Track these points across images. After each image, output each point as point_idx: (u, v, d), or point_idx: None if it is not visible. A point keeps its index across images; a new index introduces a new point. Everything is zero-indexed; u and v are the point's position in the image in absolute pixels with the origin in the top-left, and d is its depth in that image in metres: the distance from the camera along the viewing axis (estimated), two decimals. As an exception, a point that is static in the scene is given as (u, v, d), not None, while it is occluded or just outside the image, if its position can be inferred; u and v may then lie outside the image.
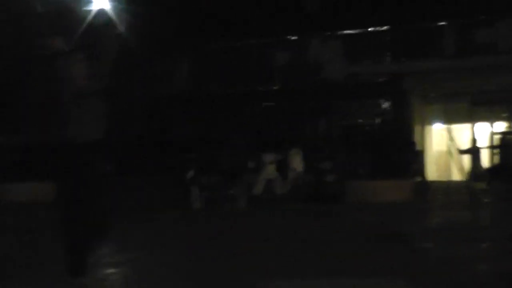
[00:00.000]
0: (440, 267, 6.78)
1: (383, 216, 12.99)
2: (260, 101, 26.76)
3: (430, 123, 26.38)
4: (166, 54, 26.16)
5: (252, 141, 21.57)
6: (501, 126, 24.85)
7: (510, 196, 16.72)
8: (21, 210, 15.44)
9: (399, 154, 20.16)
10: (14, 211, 15.43)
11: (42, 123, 5.75)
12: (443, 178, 24.87)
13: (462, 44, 24.19)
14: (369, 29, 25.55)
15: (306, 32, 26.26)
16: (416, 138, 23.53)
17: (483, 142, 21.54)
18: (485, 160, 20.63)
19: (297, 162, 18.88)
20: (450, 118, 25.65)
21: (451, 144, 24.66)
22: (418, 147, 21.29)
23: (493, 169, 20.58)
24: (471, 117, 25.00)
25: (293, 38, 26.90)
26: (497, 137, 23.37)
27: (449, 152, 25.19)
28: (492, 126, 24.73)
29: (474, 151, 18.14)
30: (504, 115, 24.89)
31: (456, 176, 24.57)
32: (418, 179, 19.66)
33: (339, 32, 26.00)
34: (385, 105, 25.54)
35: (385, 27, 25.39)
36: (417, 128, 25.20)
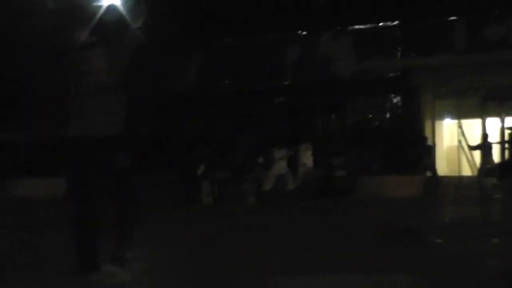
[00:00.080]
0: (452, 263, 6.77)
1: (394, 211, 12.98)
2: (270, 97, 26.74)
3: (441, 118, 26.31)
4: (176, 50, 26.18)
5: (262, 137, 21.57)
6: (512, 121, 24.76)
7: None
8: (32, 206, 15.50)
9: (410, 149, 20.13)
10: (25, 206, 15.48)
11: (57, 118, 5.77)
12: (454, 173, 24.81)
13: (473, 39, 24.09)
14: (380, 25, 25.48)
15: (316, 28, 26.22)
16: (427, 133, 23.48)
17: (494, 138, 21.47)
18: (496, 155, 20.58)
19: (307, 158, 18.89)
20: (461, 113, 25.58)
21: (461, 140, 24.59)
22: (429, 143, 21.25)
23: (504, 164, 20.51)
24: (482, 112, 24.92)
25: (303, 34, 26.87)
26: (508, 132, 23.29)
27: (459, 148, 25.11)
28: (503, 121, 24.62)
29: (485, 147, 18.09)
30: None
31: (467, 171, 24.51)
32: (429, 174, 19.64)
33: (350, 28, 25.95)
34: (396, 100, 25.49)
35: (395, 22, 25.32)
36: (427, 124, 25.14)
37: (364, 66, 24.98)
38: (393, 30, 25.42)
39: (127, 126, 5.81)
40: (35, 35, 20.19)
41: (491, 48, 23.41)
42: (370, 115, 25.78)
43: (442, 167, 24.00)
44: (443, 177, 21.16)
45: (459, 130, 25.20)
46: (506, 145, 22.60)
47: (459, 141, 25.03)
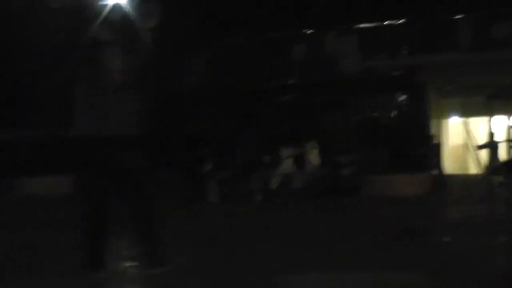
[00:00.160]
0: (459, 262, 6.79)
1: (401, 210, 12.98)
2: (276, 95, 26.74)
3: (447, 116, 26.24)
4: (182, 48, 26.21)
5: (269, 136, 21.59)
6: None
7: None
8: (41, 204, 15.55)
9: (416, 148, 20.12)
10: (35, 205, 15.54)
11: (69, 118, 5.78)
12: (460, 171, 24.76)
13: (480, 37, 24.03)
14: (385, 23, 25.45)
15: (322, 26, 26.20)
16: (433, 131, 23.44)
17: (500, 136, 21.41)
18: (503, 153, 20.52)
19: (314, 156, 18.89)
20: (467, 111, 25.50)
21: (468, 138, 24.53)
22: (435, 141, 21.22)
23: (511, 162, 20.46)
24: (489, 111, 24.83)
25: (309, 32, 26.86)
26: (515, 130, 23.22)
27: (466, 146, 25.05)
28: (509, 119, 24.55)
29: (491, 145, 18.06)
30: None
31: (473, 169, 24.45)
32: (435, 173, 19.61)
33: (355, 26, 25.93)
34: (402, 99, 25.46)
35: (401, 20, 25.29)
36: (433, 122, 25.08)
37: (370, 64, 24.95)
38: (399, 28, 25.39)
39: (140, 126, 5.82)
40: (47, 34, 20.24)
41: (497, 46, 23.34)
42: (376, 114, 25.76)
43: (448, 166, 23.95)
44: (449, 175, 21.12)
45: (465, 128, 25.15)
46: (513, 143, 22.55)
47: (465, 139, 24.98)
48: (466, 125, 24.86)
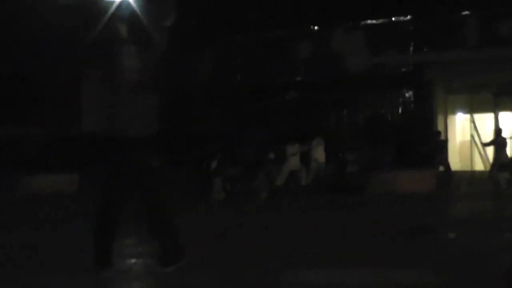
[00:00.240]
0: (466, 258, 6.78)
1: (408, 206, 12.97)
2: (283, 93, 26.76)
3: (453, 113, 26.24)
4: (189, 46, 26.25)
5: (275, 133, 21.59)
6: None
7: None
8: (53, 201, 15.58)
9: (422, 144, 20.11)
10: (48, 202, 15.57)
11: (86, 116, 5.78)
12: (466, 168, 24.76)
13: (486, 34, 24.01)
14: (392, 19, 25.43)
15: (329, 23, 26.20)
16: (440, 128, 23.43)
17: (507, 132, 21.40)
18: (509, 150, 20.50)
19: (320, 153, 18.89)
20: (474, 108, 25.51)
21: (474, 134, 24.53)
22: (442, 137, 21.21)
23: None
24: (495, 107, 24.83)
25: (315, 29, 26.86)
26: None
27: (472, 142, 25.05)
28: (516, 116, 24.56)
29: (498, 142, 18.03)
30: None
31: (480, 166, 24.45)
32: (442, 169, 19.60)
33: (362, 23, 25.92)
34: (408, 95, 25.45)
35: (408, 17, 25.27)
36: (440, 118, 25.09)
37: (377, 61, 24.95)
38: (406, 25, 25.37)
39: (155, 124, 5.83)
40: (62, 32, 20.21)
41: (504, 43, 23.32)
42: (383, 110, 25.76)
43: (455, 162, 23.96)
44: (456, 172, 21.10)
45: (472, 125, 25.14)
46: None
47: (472, 136, 24.98)
48: (472, 122, 24.88)
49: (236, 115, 26.14)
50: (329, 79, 25.43)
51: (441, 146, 20.25)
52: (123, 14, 5.74)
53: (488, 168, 20.20)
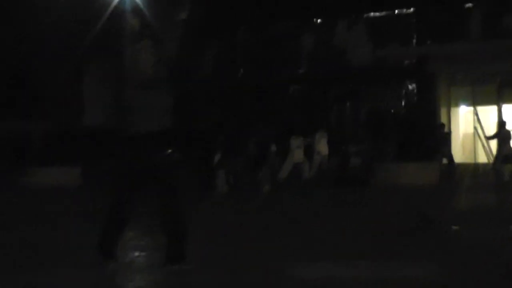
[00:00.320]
0: (470, 250, 6.80)
1: (411, 199, 12.98)
2: (286, 86, 26.75)
3: (457, 105, 26.22)
4: (194, 40, 26.24)
5: (279, 126, 21.58)
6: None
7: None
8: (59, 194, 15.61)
9: (426, 136, 20.10)
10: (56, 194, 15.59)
11: (103, 112, 5.81)
12: (470, 160, 24.75)
13: (490, 26, 23.96)
14: (395, 12, 25.40)
15: (332, 16, 26.17)
16: (443, 120, 23.42)
17: (510, 124, 21.37)
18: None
19: (323, 146, 18.87)
20: (477, 100, 25.47)
21: (477, 127, 24.51)
22: (445, 130, 21.19)
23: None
24: (498, 99, 24.81)
25: (319, 22, 26.83)
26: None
27: (475, 135, 25.03)
28: (519, 107, 24.53)
29: (501, 134, 17.99)
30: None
31: (483, 158, 24.43)
32: (445, 161, 19.59)
33: (365, 15, 25.89)
34: (411, 88, 25.43)
35: (411, 9, 25.23)
36: (443, 111, 25.08)
37: (380, 54, 24.92)
38: (409, 18, 25.34)
39: (169, 121, 5.82)
40: (79, 28, 20.19)
41: (506, 35, 23.28)
42: (386, 103, 25.74)
43: (458, 154, 23.95)
44: (459, 164, 21.09)
45: (475, 117, 25.12)
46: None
47: (475, 128, 24.96)
48: (475, 114, 24.86)
49: (239, 109, 26.13)
50: (333, 72, 25.41)
51: (444, 138, 20.23)
52: (136, 10, 5.77)
53: (491, 160, 20.18)
